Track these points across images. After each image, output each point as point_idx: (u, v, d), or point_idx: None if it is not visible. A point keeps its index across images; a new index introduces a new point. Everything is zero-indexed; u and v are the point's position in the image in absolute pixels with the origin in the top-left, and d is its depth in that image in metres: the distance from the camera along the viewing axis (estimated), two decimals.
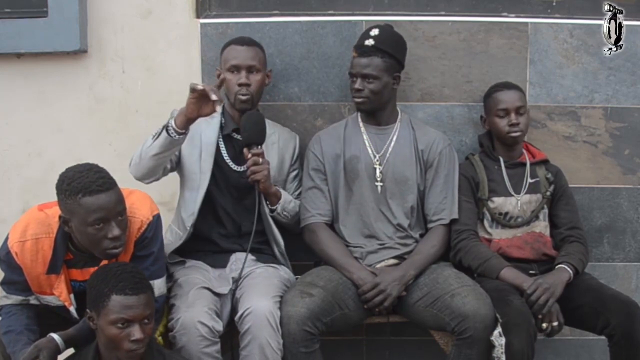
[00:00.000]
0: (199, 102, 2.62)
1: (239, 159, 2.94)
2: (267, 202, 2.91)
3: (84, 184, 2.28)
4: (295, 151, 3.08)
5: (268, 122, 2.94)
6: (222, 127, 2.97)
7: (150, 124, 3.15)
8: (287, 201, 2.96)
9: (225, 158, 2.95)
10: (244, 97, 2.90)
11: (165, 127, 2.68)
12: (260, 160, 2.81)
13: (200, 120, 2.72)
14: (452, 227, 2.94)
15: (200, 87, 2.60)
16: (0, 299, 2.52)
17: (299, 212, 2.99)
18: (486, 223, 2.98)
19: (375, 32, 2.92)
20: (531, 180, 3.00)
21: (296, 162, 3.09)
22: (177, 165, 2.96)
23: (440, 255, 2.95)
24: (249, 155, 2.81)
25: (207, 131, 2.94)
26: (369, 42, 2.89)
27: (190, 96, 2.62)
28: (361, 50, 2.90)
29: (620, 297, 2.76)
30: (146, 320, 2.26)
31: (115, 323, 2.22)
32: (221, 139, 2.97)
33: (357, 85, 2.90)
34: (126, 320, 2.23)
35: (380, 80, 2.89)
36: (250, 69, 2.91)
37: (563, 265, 2.82)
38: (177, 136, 2.68)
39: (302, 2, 3.26)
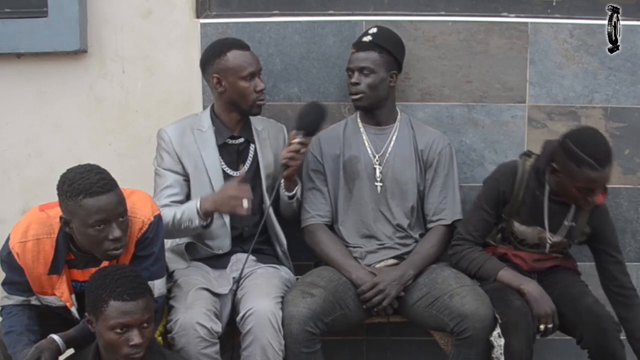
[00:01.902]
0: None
1: (234, 164, 2.92)
2: (284, 190, 2.90)
3: (85, 186, 2.27)
4: (285, 143, 3.05)
5: (257, 118, 2.95)
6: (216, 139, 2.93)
7: (150, 124, 3.17)
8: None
9: (222, 166, 2.90)
10: (263, 102, 2.89)
11: (199, 225, 2.74)
12: (302, 150, 2.79)
13: (193, 144, 2.84)
14: (456, 229, 2.90)
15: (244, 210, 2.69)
16: (2, 300, 2.52)
17: (300, 213, 2.99)
18: (497, 238, 2.89)
19: (373, 30, 2.96)
20: (570, 224, 2.78)
21: None
22: (188, 199, 2.91)
23: (440, 256, 2.95)
24: (296, 140, 2.78)
25: (206, 154, 2.88)
26: (367, 38, 2.93)
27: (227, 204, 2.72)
28: (359, 46, 2.93)
29: (594, 310, 2.67)
30: (145, 325, 2.25)
31: (114, 328, 2.21)
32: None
33: (354, 79, 2.90)
34: (124, 325, 2.21)
35: (376, 74, 2.89)
36: (260, 73, 2.89)
37: None
38: (208, 221, 2.77)
39: (302, 2, 3.25)
